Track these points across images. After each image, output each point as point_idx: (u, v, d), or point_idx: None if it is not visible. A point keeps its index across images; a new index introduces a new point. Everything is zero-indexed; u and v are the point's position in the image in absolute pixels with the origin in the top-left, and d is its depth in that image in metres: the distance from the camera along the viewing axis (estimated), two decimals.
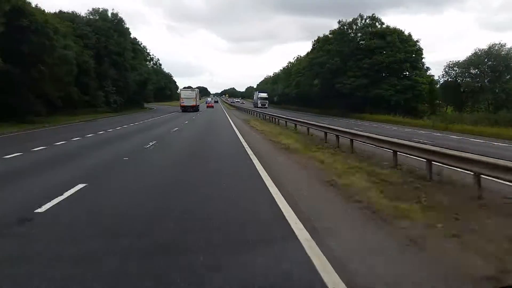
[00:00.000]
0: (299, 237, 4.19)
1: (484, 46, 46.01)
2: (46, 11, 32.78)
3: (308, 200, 6.02)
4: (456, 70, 46.04)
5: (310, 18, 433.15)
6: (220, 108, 77.82)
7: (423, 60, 46.42)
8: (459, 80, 46.01)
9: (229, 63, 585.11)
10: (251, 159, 10.91)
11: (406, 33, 47.21)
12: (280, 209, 5.45)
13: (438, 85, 48.38)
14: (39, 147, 12.75)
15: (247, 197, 6.42)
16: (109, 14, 53.02)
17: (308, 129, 18.76)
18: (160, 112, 56.90)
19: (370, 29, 49.56)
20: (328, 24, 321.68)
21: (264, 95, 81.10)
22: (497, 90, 43.04)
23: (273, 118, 30.41)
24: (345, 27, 51.83)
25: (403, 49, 45.15)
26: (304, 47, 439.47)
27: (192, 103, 52.86)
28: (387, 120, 37.05)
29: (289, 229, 4.53)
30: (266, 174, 8.22)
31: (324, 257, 3.60)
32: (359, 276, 3.25)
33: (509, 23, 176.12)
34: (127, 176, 8.62)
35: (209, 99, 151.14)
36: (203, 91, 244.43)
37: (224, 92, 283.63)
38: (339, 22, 52.99)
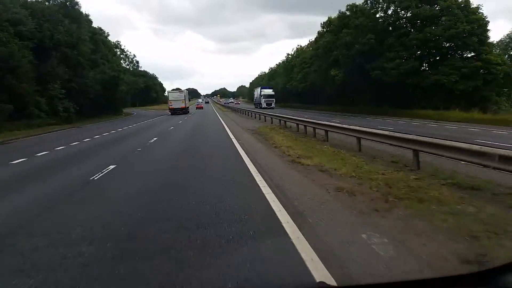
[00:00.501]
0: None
1: None
2: None
3: None
4: None
5: (297, 17, 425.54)
6: (211, 110, 64.57)
7: (489, 34, 33.52)
8: None
9: (219, 64, 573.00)
10: None
11: None
12: None
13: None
14: None
15: None
16: None
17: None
18: (138, 118, 45.00)
19: None
20: (312, 21, 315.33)
21: (270, 91, 64.60)
22: None
23: (305, 126, 17.74)
24: None
25: (464, 18, 32.51)
26: (292, 45, 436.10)
27: (181, 105, 50.24)
28: (468, 119, 24.56)
29: None
30: None
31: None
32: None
33: None
34: None
35: (200, 100, 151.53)
36: (193, 93, 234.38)
37: (215, 93, 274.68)
38: None
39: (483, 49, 32.48)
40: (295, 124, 19.20)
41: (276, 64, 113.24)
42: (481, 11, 34.27)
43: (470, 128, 20.54)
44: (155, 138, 18.34)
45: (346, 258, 3.45)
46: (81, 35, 39.90)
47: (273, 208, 5.24)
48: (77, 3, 41.57)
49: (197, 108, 76.37)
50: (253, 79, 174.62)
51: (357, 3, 42.87)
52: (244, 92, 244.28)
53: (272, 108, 55.41)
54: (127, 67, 70.60)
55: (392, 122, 25.86)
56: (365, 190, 5.93)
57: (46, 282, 3.25)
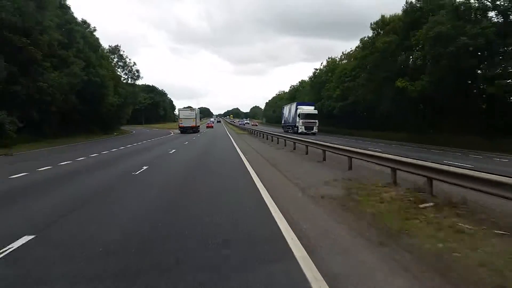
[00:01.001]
0: None
1: None
2: None
3: None
4: None
5: (312, 40, 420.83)
6: (223, 133, 51.34)
7: None
8: None
9: (232, 84, 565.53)
10: None
11: None
12: None
13: None
14: None
15: None
16: None
17: None
18: (128, 140, 32.78)
19: None
20: (328, 45, 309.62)
21: (311, 109, 46.44)
22: None
23: None
24: None
25: None
26: (306, 68, 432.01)
27: (192, 123, 49.01)
28: None
29: None
30: None
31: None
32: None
33: None
34: None
35: (212, 119, 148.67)
36: (205, 112, 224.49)
37: (227, 113, 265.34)
38: None
39: None
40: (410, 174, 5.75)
41: (299, 82, 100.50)
42: None
43: None
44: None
45: None
46: (42, 18, 27.44)
47: None
48: None
49: (207, 127, 75.30)
50: (270, 99, 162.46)
51: None
52: (258, 113, 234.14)
53: (314, 134, 41.34)
54: (125, 76, 58.04)
55: None
56: None
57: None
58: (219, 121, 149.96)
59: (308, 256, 4.07)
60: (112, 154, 18.51)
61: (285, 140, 23.23)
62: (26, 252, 4.26)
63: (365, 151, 10.84)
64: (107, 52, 55.64)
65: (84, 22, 40.81)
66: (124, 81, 58.81)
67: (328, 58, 65.92)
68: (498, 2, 23.32)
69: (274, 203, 6.77)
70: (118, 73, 56.73)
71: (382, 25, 39.66)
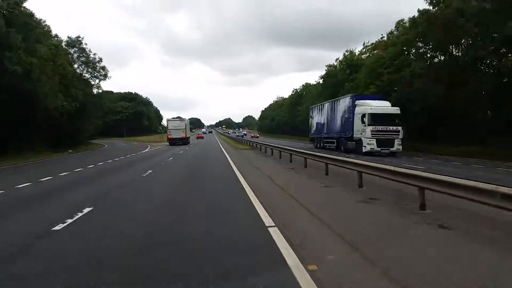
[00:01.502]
0: None
1: None
2: None
3: None
4: None
5: (304, 51, 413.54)
6: (217, 149, 38.11)
7: None
8: None
9: (223, 95, 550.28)
10: None
11: None
12: None
13: None
14: None
15: None
16: None
17: None
18: (84, 161, 22.53)
19: None
20: (318, 56, 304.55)
21: (386, 106, 25.08)
22: None
23: None
24: None
25: None
26: (297, 78, 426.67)
27: (181, 135, 46.58)
28: None
29: None
30: None
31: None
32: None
33: None
34: None
35: (203, 130, 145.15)
36: (196, 123, 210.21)
37: (220, 123, 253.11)
38: None
39: None
40: None
41: (303, 85, 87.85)
42: None
43: None
44: None
45: None
46: None
47: None
48: None
49: (197, 138, 75.55)
50: (264, 108, 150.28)
51: None
52: (252, 123, 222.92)
53: (394, 154, 23.17)
54: (87, 74, 44.49)
55: None
56: None
57: None
58: (211, 132, 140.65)
59: None
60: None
61: (360, 174, 9.83)
62: None
63: None
64: (65, 44, 42.60)
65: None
66: (93, 82, 45.77)
67: (346, 52, 53.38)
68: None
69: None
70: (79, 70, 43.41)
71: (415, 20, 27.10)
